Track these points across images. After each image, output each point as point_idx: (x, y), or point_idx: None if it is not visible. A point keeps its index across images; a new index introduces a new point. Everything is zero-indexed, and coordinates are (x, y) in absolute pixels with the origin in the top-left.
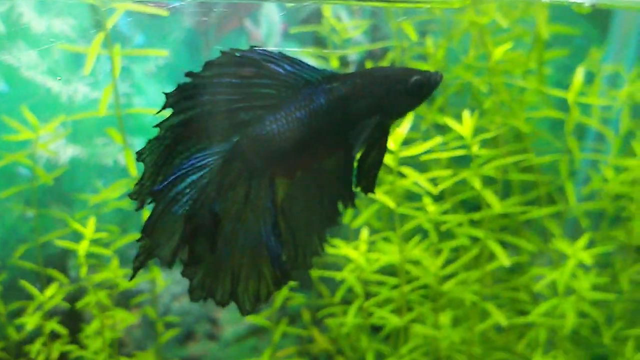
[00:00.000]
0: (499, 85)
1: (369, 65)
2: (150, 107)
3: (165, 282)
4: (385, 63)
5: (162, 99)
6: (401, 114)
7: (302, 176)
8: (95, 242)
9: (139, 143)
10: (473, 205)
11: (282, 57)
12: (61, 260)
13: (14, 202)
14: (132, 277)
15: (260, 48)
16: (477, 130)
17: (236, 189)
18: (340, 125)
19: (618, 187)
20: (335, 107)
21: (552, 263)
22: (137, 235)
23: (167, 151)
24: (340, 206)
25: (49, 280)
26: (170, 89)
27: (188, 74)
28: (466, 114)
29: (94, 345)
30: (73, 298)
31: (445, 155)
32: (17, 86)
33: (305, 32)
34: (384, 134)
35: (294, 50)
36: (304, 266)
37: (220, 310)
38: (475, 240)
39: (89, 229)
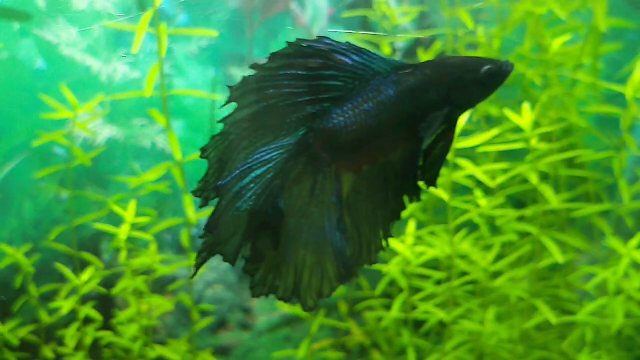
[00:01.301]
0: (554, 79)
1: (421, 54)
2: (191, 89)
3: (204, 269)
4: (433, 52)
5: (203, 81)
6: (471, 105)
7: (368, 169)
8: (132, 226)
9: (179, 125)
10: (516, 200)
11: (350, 48)
12: (94, 244)
13: (48, 183)
14: (194, 275)
15: (328, 38)
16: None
17: (301, 184)
18: (409, 117)
19: None
20: (404, 99)
21: (595, 262)
22: (176, 220)
23: (231, 147)
24: (405, 200)
25: (82, 263)
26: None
27: (253, 66)
28: (526, 107)
29: (129, 332)
30: (106, 283)
31: (502, 147)
32: (55, 64)
33: (352, 17)
34: (452, 126)
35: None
36: (369, 262)
37: (254, 299)
38: (523, 236)
39: (129, 213)
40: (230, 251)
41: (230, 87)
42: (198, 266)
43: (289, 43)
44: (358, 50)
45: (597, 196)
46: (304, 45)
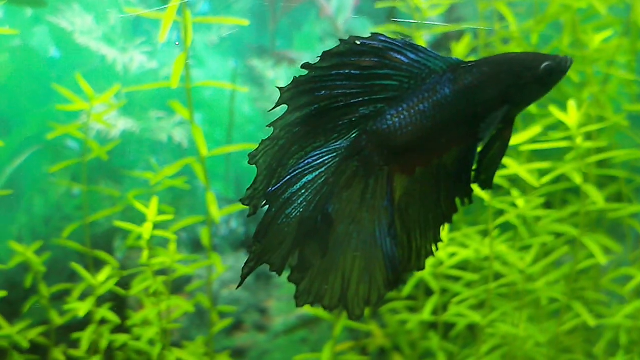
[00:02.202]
0: (591, 76)
1: (454, 46)
2: (210, 80)
3: (224, 268)
4: (464, 45)
5: (223, 72)
6: (529, 103)
7: (421, 172)
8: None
9: (196, 118)
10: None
11: (405, 45)
12: (106, 241)
13: (59, 177)
14: (240, 284)
15: (382, 35)
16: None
17: (352, 188)
18: (466, 116)
19: None
20: (461, 98)
21: (624, 263)
22: (197, 218)
23: (281, 152)
24: (457, 202)
25: (95, 261)
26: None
27: (304, 66)
28: (572, 105)
29: (147, 334)
30: (118, 282)
31: (546, 146)
32: (69, 52)
33: (378, 8)
34: (509, 125)
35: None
36: (418, 268)
37: (270, 299)
38: (555, 237)
39: (151, 210)
40: (278, 260)
41: (280, 89)
42: (245, 276)
43: (342, 40)
44: (414, 48)
45: (628, 197)
46: (358, 42)
